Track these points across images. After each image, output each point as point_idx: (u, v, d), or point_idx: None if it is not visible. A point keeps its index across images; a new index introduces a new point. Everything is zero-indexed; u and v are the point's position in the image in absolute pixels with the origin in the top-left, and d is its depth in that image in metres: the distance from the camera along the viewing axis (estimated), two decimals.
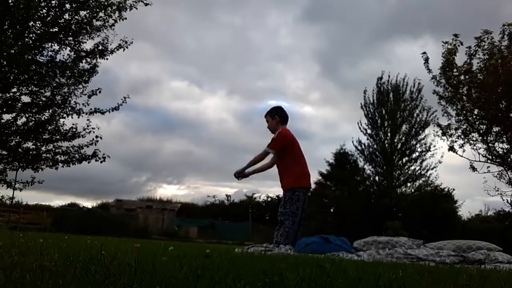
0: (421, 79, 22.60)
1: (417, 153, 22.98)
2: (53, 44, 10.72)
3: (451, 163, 32.68)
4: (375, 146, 23.44)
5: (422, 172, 22.72)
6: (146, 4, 11.26)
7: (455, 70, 13.26)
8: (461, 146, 13.83)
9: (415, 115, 23.11)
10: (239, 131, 50.64)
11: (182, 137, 53.45)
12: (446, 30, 38.01)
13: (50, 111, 11.10)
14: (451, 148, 14.01)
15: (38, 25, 10.31)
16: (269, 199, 32.48)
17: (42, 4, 10.06)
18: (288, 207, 4.88)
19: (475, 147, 13.67)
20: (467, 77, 13.13)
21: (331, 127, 47.08)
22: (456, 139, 13.88)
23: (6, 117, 10.74)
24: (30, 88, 10.81)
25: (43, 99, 11.00)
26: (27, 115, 10.89)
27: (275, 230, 4.94)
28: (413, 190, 23.08)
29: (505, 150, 13.44)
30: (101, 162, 11.38)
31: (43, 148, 11.19)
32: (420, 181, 22.91)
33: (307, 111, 49.89)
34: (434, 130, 15.25)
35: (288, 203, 4.90)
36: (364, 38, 45.11)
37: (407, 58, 40.43)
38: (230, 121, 51.89)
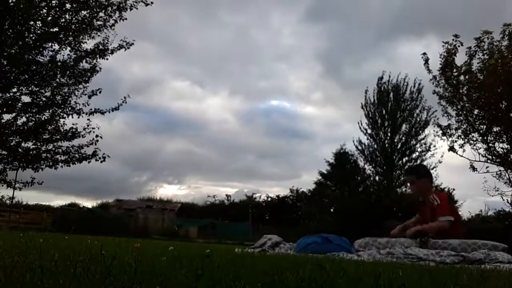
0: (421, 79, 22.61)
1: (417, 153, 23.00)
2: (53, 44, 10.73)
3: (452, 163, 32.78)
4: (375, 146, 23.45)
5: None
6: (147, 4, 11.28)
7: (454, 71, 13.24)
8: (461, 146, 13.82)
9: (415, 115, 23.12)
10: (240, 131, 50.74)
11: (183, 137, 53.54)
12: (451, 30, 38.02)
13: (50, 111, 11.10)
14: (451, 148, 13.99)
15: (38, 25, 10.30)
16: (269, 199, 32.49)
17: (42, 4, 10.05)
18: None
19: (475, 147, 13.66)
20: (466, 77, 13.12)
21: (333, 127, 47.15)
22: (456, 139, 13.87)
23: (6, 117, 10.76)
24: (30, 88, 10.81)
25: (43, 99, 11.00)
26: (27, 115, 10.89)
27: None
28: None
29: (505, 150, 13.43)
30: (101, 161, 11.40)
31: (43, 148, 11.19)
32: None
33: (309, 111, 49.99)
34: (434, 130, 15.23)
35: None
36: (368, 38, 45.18)
37: (410, 57, 40.52)
38: (232, 121, 51.96)
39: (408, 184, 4.64)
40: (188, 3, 49.61)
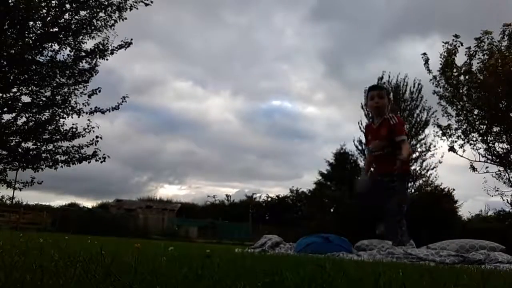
0: (421, 79, 22.58)
1: (417, 153, 22.95)
2: (53, 44, 10.73)
3: (453, 163, 32.80)
4: None
5: (422, 172, 22.70)
6: (147, 4, 11.27)
7: (454, 71, 13.24)
8: (461, 146, 13.82)
9: (415, 115, 23.08)
10: (241, 131, 50.76)
11: (185, 137, 53.57)
12: (455, 30, 37.79)
13: (50, 111, 11.10)
14: (451, 148, 14.00)
15: (38, 25, 10.31)
16: (269, 199, 32.50)
17: (42, 4, 10.05)
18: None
19: (475, 147, 13.66)
20: (466, 77, 13.13)
21: (334, 127, 47.13)
22: (456, 139, 13.88)
23: (6, 117, 10.76)
24: (30, 88, 10.81)
25: (43, 99, 11.00)
26: (27, 115, 10.89)
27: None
28: (413, 190, 23.07)
29: (505, 150, 13.43)
30: (101, 162, 11.40)
31: (43, 148, 11.19)
32: (420, 181, 22.90)
33: (311, 111, 50.02)
34: (434, 131, 15.24)
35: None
36: (372, 38, 45.16)
37: (414, 57, 40.41)
38: (233, 121, 51.99)
39: (375, 98, 4.51)
40: (191, 4, 49.72)
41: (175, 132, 53.54)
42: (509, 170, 13.55)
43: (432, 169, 22.42)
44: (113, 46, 11.25)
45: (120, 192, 60.65)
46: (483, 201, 54.34)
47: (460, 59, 13.31)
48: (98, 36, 11.09)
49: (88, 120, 11.33)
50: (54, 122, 11.13)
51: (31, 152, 11.07)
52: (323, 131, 49.22)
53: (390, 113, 4.53)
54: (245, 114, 52.27)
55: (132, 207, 30.90)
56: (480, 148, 13.59)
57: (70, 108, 11.22)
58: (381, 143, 4.46)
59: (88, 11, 10.73)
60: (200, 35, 50.49)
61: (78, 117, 11.27)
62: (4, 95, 10.54)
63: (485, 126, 13.37)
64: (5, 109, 10.61)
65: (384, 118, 4.47)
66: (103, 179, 41.96)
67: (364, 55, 45.41)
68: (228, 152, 51.29)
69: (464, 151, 13.86)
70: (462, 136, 13.72)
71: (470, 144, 13.68)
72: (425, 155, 22.66)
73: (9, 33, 10.01)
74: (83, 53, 11.10)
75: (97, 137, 11.31)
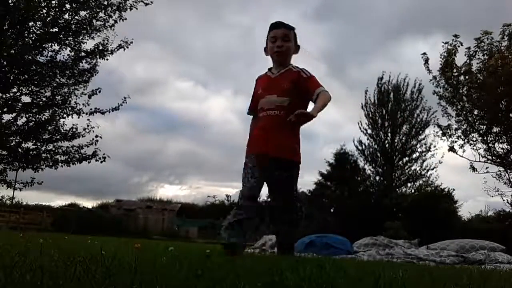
0: (422, 79, 22.57)
1: (417, 153, 22.98)
2: (53, 44, 10.74)
3: (454, 163, 32.64)
4: (375, 146, 23.44)
5: (423, 172, 22.72)
6: (146, 4, 11.28)
7: (454, 71, 13.25)
8: (461, 146, 13.83)
9: (415, 115, 23.11)
10: (242, 132, 50.40)
11: (186, 137, 53.49)
12: (458, 30, 37.41)
13: (50, 111, 11.11)
14: (451, 149, 14.00)
15: (38, 25, 10.32)
16: (269, 199, 32.49)
17: (42, 4, 10.07)
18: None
19: (475, 147, 13.67)
20: (466, 77, 13.13)
21: (335, 127, 46.89)
22: (456, 139, 13.88)
23: (6, 117, 10.77)
24: (30, 88, 10.82)
25: (43, 99, 11.02)
26: (27, 115, 10.90)
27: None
28: (413, 191, 23.08)
29: (504, 151, 13.43)
30: (101, 162, 11.41)
31: (43, 148, 11.20)
32: (421, 181, 22.92)
33: None
34: (434, 131, 15.26)
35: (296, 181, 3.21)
36: (374, 38, 44.89)
37: (416, 57, 40.16)
38: (234, 121, 51.87)
39: (278, 40, 3.21)
40: (194, 4, 49.71)
41: (176, 132, 53.51)
42: (509, 171, 13.55)
43: (432, 169, 22.48)
44: (113, 47, 11.28)
45: (120, 192, 60.49)
46: (483, 201, 54.18)
47: (460, 59, 13.32)
48: (98, 36, 11.12)
49: (88, 120, 11.35)
50: (54, 122, 11.14)
51: (31, 152, 11.07)
52: (324, 131, 49.07)
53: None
54: (246, 114, 52.22)
55: (132, 207, 30.87)
56: (480, 148, 13.60)
57: (70, 108, 11.23)
58: (280, 99, 3.08)
59: (88, 11, 10.74)
60: (202, 35, 50.48)
61: (78, 117, 11.29)
62: (4, 95, 10.55)
63: (485, 127, 13.38)
64: (5, 109, 10.61)
65: (290, 69, 3.26)
66: (103, 179, 41.85)
67: (366, 55, 45.21)
68: (228, 152, 51.18)
69: (464, 151, 13.86)
70: (462, 136, 13.73)
71: (470, 144, 13.69)
72: (425, 155, 22.71)
73: (9, 33, 10.02)
74: (83, 53, 11.11)
75: (96, 136, 11.34)
